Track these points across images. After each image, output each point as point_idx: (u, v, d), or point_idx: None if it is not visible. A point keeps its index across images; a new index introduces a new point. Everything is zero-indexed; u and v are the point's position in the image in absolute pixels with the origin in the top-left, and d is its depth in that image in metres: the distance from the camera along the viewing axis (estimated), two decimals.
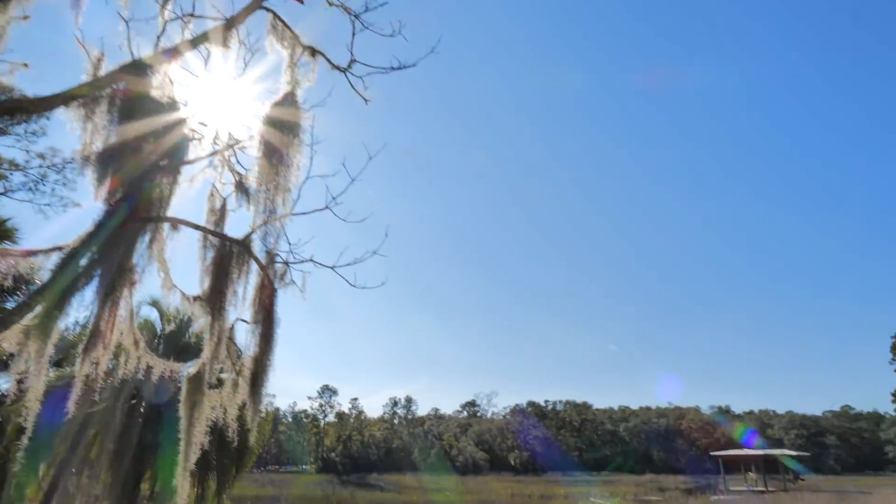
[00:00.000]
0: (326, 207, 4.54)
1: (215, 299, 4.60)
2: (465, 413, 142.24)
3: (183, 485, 4.72)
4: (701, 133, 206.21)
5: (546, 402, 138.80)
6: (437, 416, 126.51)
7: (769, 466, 48.57)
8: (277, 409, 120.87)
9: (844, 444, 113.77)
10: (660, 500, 33.68)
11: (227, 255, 4.69)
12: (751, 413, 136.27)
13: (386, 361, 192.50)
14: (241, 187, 4.65)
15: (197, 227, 4.62)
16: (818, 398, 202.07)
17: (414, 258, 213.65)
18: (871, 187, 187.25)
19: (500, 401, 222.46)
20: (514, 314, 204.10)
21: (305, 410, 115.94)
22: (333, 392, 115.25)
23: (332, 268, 4.72)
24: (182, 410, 4.83)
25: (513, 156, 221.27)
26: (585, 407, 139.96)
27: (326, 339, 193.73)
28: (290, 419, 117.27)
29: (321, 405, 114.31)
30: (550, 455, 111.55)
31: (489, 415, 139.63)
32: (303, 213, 4.68)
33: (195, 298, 4.65)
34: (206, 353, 4.72)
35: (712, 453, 46.76)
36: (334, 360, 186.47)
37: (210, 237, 4.69)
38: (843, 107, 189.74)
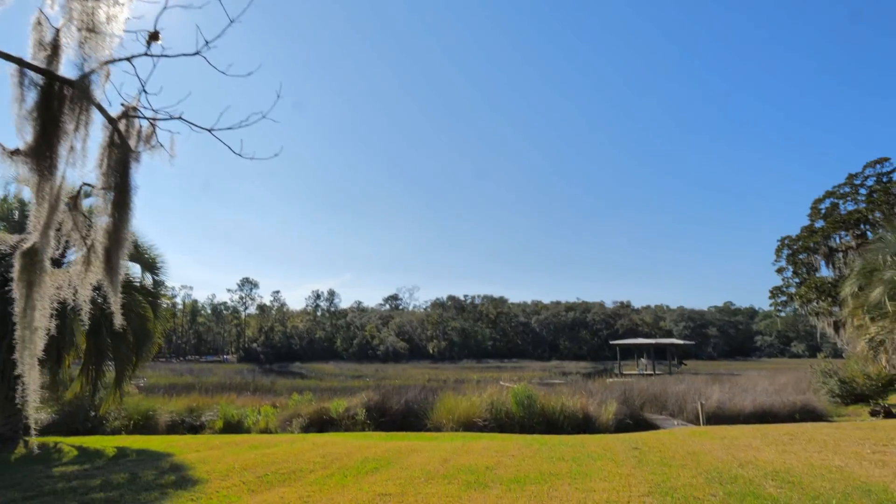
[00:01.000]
0: (197, 53, 3.60)
1: (42, 153, 3.61)
2: (388, 306, 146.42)
3: (31, 374, 4.08)
4: (598, 39, 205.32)
5: (465, 296, 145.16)
6: (359, 309, 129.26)
7: (659, 353, 54.18)
8: (196, 301, 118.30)
9: (723, 335, 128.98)
10: (562, 383, 36.82)
11: (55, 98, 3.68)
12: (648, 307, 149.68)
13: (311, 257, 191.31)
14: (82, 17, 3.47)
15: (7, 56, 3.49)
16: (706, 295, 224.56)
17: (333, 155, 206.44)
18: (757, 97, 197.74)
19: (422, 295, 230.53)
20: (436, 214, 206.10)
21: (225, 303, 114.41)
22: (254, 285, 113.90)
23: (209, 130, 3.88)
24: (16, 291, 3.97)
25: (425, 68, 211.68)
26: (501, 301, 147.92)
27: (249, 234, 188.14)
28: (209, 311, 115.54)
29: (241, 297, 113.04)
30: (467, 345, 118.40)
31: (411, 308, 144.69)
32: (165, 56, 3.70)
33: (14, 153, 3.61)
34: (35, 222, 3.78)
35: (611, 342, 51.49)
36: (258, 255, 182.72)
37: (32, 74, 3.60)
38: (726, 16, 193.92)
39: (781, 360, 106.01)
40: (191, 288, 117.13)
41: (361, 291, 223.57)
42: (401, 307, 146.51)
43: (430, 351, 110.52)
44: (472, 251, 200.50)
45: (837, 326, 25.38)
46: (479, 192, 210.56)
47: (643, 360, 50.16)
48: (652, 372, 45.74)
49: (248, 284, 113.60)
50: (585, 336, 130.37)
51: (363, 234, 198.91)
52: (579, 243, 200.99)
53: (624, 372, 48.51)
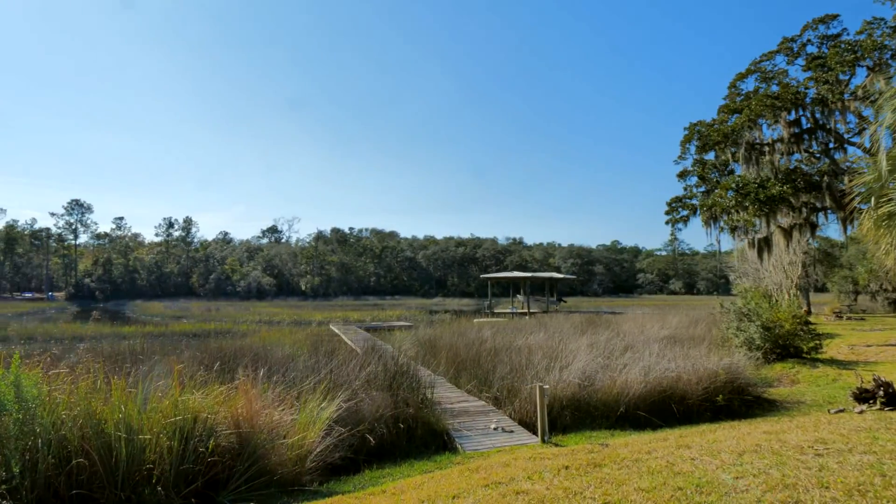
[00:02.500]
0: None
1: None
2: (267, 240, 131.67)
3: None
4: None
5: (351, 229, 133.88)
6: (224, 241, 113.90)
7: (540, 289, 47.37)
8: (13, 226, 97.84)
9: (609, 272, 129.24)
10: (406, 325, 28.17)
11: None
12: (539, 244, 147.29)
13: (190, 185, 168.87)
14: None
15: None
16: (595, 234, 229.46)
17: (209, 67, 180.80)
18: (652, 37, 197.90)
19: (305, 228, 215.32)
20: (335, 147, 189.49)
21: (48, 229, 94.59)
22: (87, 209, 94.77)
23: None
24: None
25: None
26: (390, 235, 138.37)
27: (104, 151, 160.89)
28: (28, 239, 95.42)
29: (69, 223, 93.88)
30: (346, 281, 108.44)
31: (293, 241, 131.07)
32: None
33: None
34: None
35: (482, 276, 43.86)
36: (118, 179, 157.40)
37: None
38: None
39: (661, 297, 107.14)
40: (3, 210, 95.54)
41: (249, 226, 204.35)
42: (282, 241, 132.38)
43: (303, 287, 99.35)
44: (368, 187, 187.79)
45: (762, 246, 18.02)
46: (382, 124, 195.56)
47: (519, 297, 43.08)
48: (527, 310, 38.51)
49: (78, 208, 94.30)
50: (475, 272, 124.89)
51: (259, 163, 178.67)
52: (479, 182, 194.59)
53: (497, 311, 40.97)
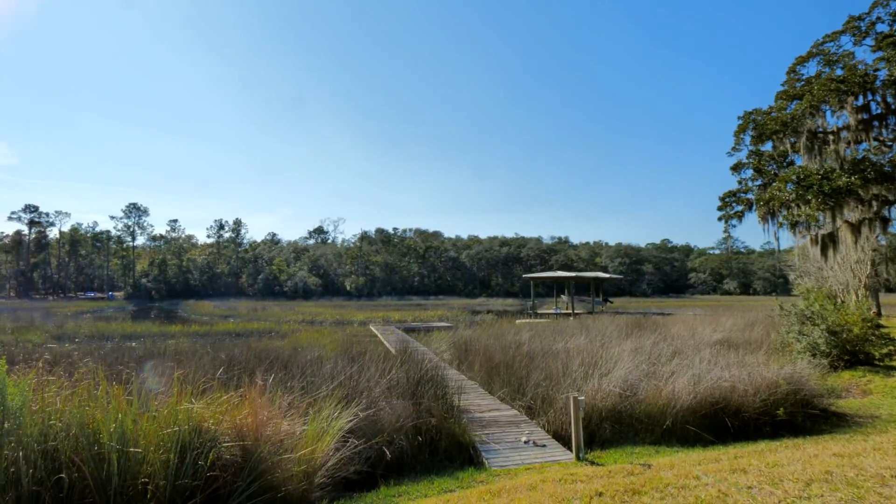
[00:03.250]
0: None
1: None
2: (314, 241, 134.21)
3: None
4: None
5: (395, 229, 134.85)
6: (272, 242, 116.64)
7: (585, 290, 46.05)
8: (77, 229, 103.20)
9: (658, 272, 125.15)
10: (446, 326, 27.71)
11: None
12: (585, 243, 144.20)
13: (251, 190, 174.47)
14: None
15: None
16: (644, 232, 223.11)
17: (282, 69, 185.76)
18: (704, 39, 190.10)
19: (350, 228, 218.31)
20: (380, 149, 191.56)
21: (108, 231, 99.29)
22: (143, 212, 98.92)
23: None
24: None
25: None
26: (434, 235, 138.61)
27: (161, 156, 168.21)
28: (90, 242, 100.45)
29: (127, 226, 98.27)
30: (390, 281, 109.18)
31: (339, 242, 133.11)
32: None
33: None
34: None
35: (524, 276, 42.88)
36: (181, 183, 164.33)
37: None
38: None
39: (713, 298, 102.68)
40: (67, 214, 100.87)
41: (297, 227, 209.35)
42: (328, 242, 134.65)
43: (348, 287, 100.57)
44: (413, 188, 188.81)
45: (826, 243, 16.56)
46: (427, 125, 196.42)
47: (563, 297, 41.93)
48: (571, 311, 37.39)
49: (135, 211, 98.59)
50: (519, 272, 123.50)
51: (307, 167, 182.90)
52: (523, 182, 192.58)
53: (540, 311, 40.01)
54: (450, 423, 7.50)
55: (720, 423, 8.25)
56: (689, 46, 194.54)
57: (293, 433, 5.77)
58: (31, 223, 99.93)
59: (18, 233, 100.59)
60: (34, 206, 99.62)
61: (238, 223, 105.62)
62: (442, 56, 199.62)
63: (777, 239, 18.52)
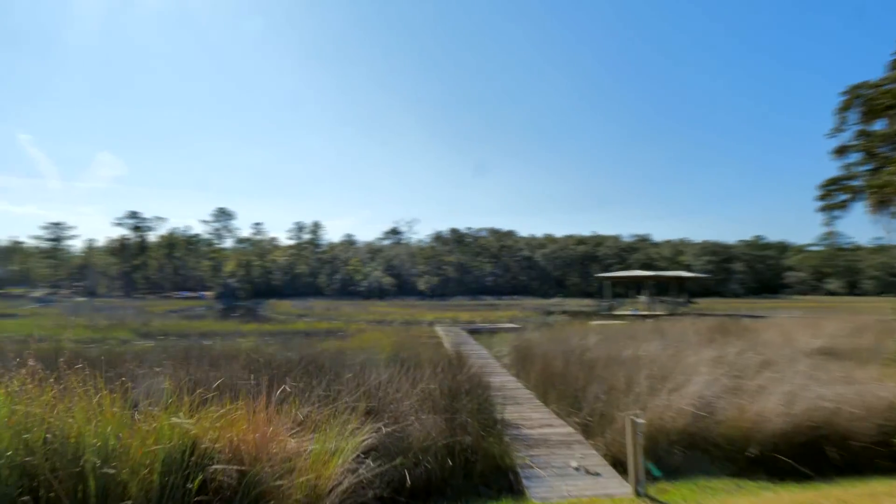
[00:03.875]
0: None
1: None
2: (389, 241, 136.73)
3: None
4: None
5: (468, 229, 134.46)
6: (348, 243, 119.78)
7: (663, 290, 43.36)
8: (173, 233, 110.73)
9: (750, 270, 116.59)
10: (515, 327, 26.68)
11: None
12: (668, 241, 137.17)
13: (331, 193, 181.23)
14: None
15: None
16: (733, 229, 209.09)
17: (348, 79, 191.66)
18: (802, 35, 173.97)
19: (424, 229, 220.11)
20: (452, 147, 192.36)
21: (199, 234, 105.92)
22: (230, 216, 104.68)
23: None
24: None
25: None
26: (507, 235, 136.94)
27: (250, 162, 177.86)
28: (183, 245, 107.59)
29: (216, 229, 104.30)
30: (464, 281, 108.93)
31: (412, 242, 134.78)
32: None
33: None
34: None
35: (597, 276, 40.74)
36: (266, 188, 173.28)
37: None
38: None
39: (814, 298, 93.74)
40: (166, 219, 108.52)
41: (374, 229, 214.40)
42: (402, 242, 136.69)
43: (421, 287, 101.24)
44: (487, 188, 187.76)
45: None
46: (502, 124, 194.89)
47: (642, 298, 39.56)
48: (649, 312, 35.14)
49: (223, 216, 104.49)
50: (596, 271, 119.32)
51: (385, 168, 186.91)
52: (602, 177, 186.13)
53: (616, 313, 37.92)
54: (489, 441, 6.60)
55: (820, 453, 6.79)
56: (772, 40, 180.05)
57: (300, 452, 5.11)
58: (134, 228, 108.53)
59: (123, 237, 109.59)
60: (136, 213, 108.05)
61: (316, 225, 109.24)
62: (515, 53, 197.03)
63: (890, 232, 16.03)
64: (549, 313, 49.09)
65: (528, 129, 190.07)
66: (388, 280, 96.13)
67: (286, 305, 63.06)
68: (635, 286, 43.16)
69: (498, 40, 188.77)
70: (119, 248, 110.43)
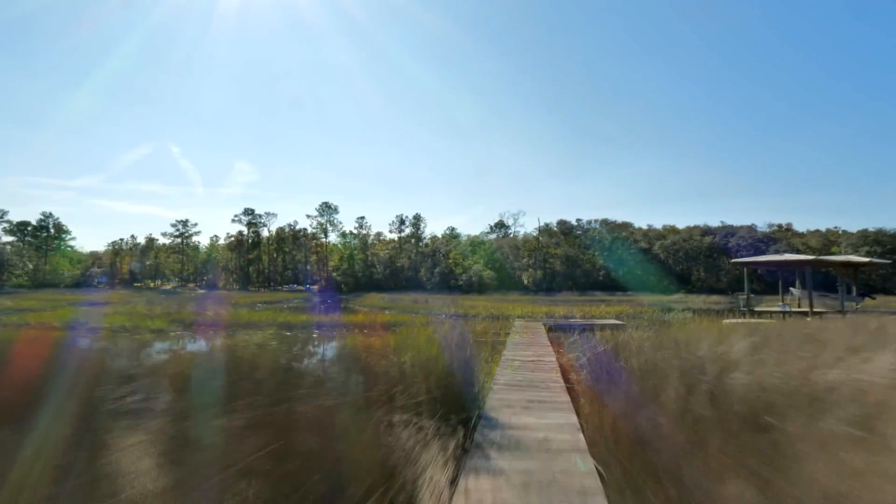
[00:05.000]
0: None
1: None
2: (496, 235, 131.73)
3: None
4: None
5: (578, 220, 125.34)
6: (451, 236, 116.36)
7: (819, 283, 33.80)
8: (283, 228, 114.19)
9: None
10: (617, 324, 20.20)
11: None
12: (816, 231, 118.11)
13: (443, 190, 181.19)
14: None
15: None
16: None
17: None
18: None
19: (531, 222, 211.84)
20: (568, 136, 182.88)
21: (305, 229, 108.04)
22: (334, 210, 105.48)
23: None
24: None
25: None
26: (622, 226, 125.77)
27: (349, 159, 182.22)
28: (290, 239, 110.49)
29: (321, 224, 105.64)
30: (572, 275, 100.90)
31: (519, 236, 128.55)
32: None
33: None
34: None
35: (733, 261, 32.03)
36: (378, 184, 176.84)
37: None
38: None
39: None
40: (275, 215, 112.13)
41: (485, 225, 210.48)
42: (509, 234, 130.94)
43: (525, 281, 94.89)
44: (604, 180, 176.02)
45: None
46: (622, 113, 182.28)
47: (794, 291, 30.56)
48: (806, 309, 26.57)
49: (327, 210, 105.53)
50: (725, 265, 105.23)
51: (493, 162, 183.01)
52: (726, 169, 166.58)
53: (757, 308, 29.37)
54: None
55: None
56: None
57: None
58: (249, 224, 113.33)
59: (240, 233, 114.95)
60: (251, 210, 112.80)
61: (418, 218, 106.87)
62: (638, 37, 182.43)
63: None
64: (669, 310, 40.97)
65: (646, 118, 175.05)
66: (488, 274, 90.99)
67: (375, 298, 60.13)
68: (782, 278, 33.97)
69: (615, 29, 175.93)
70: (236, 244, 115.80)
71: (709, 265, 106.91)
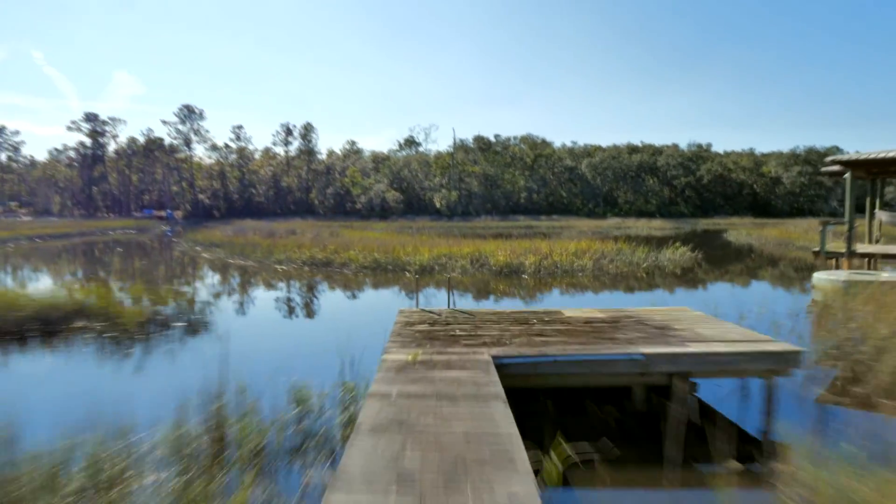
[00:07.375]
0: None
1: None
2: (405, 153, 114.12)
3: None
4: None
5: (497, 136, 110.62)
6: (351, 150, 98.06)
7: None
8: (136, 140, 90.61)
9: None
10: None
11: None
12: (742, 151, 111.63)
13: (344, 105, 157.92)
14: None
15: None
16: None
17: None
18: None
19: (444, 137, 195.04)
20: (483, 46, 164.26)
21: (161, 139, 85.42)
22: (198, 115, 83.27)
23: None
24: None
25: None
26: (544, 143, 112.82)
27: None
28: (142, 152, 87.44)
29: (181, 131, 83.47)
30: (491, 197, 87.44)
31: (433, 153, 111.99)
32: None
33: None
34: None
35: (830, 158, 17.13)
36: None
37: None
38: None
39: None
40: (125, 121, 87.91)
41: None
42: (421, 152, 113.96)
43: (437, 204, 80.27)
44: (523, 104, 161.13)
45: None
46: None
47: (883, 214, 18.09)
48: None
49: (190, 115, 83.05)
50: (653, 186, 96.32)
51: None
52: (648, 88, 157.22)
53: (860, 250, 15.97)
54: None
55: None
56: None
57: None
58: (92, 134, 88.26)
59: (81, 144, 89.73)
60: (94, 115, 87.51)
61: (308, 128, 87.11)
62: None
63: None
64: (624, 237, 28.04)
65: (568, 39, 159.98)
66: (392, 195, 75.17)
67: (216, 233, 41.07)
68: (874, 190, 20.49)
69: None
70: (75, 159, 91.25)
71: (636, 186, 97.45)
